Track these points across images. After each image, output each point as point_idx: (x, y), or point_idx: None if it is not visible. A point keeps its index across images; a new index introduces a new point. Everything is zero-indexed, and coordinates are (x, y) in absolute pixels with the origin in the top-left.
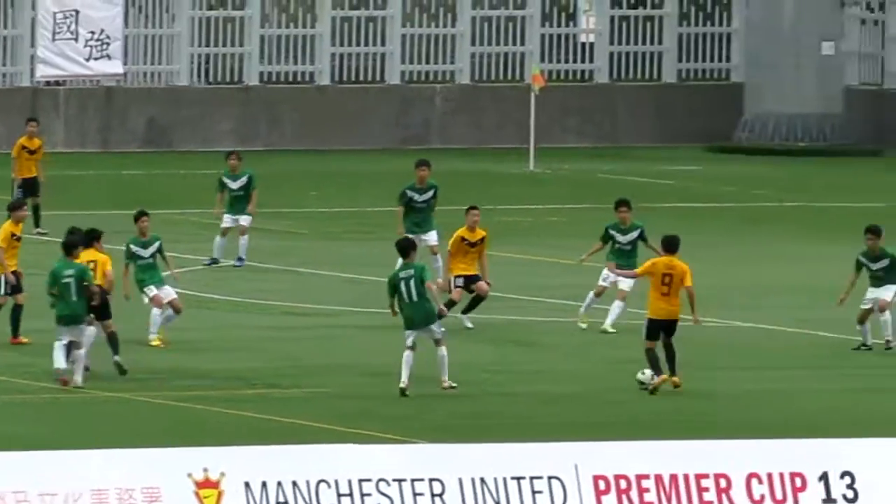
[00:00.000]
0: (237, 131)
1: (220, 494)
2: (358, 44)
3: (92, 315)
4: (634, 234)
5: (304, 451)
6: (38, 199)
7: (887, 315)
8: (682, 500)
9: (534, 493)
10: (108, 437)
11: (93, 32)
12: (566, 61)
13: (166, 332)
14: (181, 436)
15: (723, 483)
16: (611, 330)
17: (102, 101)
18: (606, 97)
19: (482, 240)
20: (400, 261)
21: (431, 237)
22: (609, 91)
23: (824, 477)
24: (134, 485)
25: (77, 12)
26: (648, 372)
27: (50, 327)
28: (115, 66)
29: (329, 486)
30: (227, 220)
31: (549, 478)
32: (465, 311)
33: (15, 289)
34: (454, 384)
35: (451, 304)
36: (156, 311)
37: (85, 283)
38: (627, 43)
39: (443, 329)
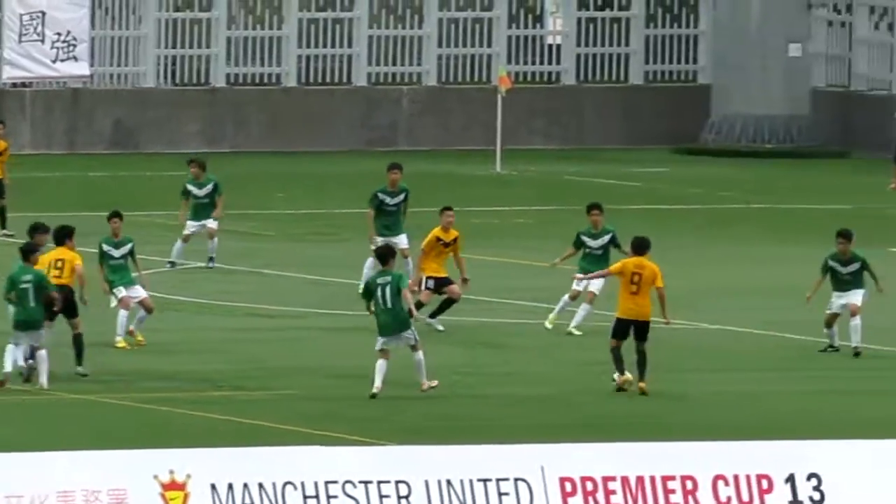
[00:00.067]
0: (204, 133)
1: (186, 496)
2: (324, 45)
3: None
4: (605, 238)
5: (271, 452)
6: (3, 201)
7: (858, 320)
8: (649, 501)
9: (500, 494)
10: (74, 438)
11: (59, 34)
12: (533, 63)
13: (143, 334)
14: (147, 437)
15: (689, 485)
16: (576, 332)
17: (69, 103)
18: (573, 99)
19: (455, 240)
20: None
21: (402, 240)
22: (576, 93)
23: (791, 479)
24: (100, 486)
25: (43, 14)
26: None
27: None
28: (82, 68)
29: (295, 487)
30: (190, 227)
31: (516, 479)
32: (434, 314)
33: None
34: (433, 383)
35: (419, 305)
36: (123, 313)
37: (44, 290)
38: (594, 45)
39: (415, 336)
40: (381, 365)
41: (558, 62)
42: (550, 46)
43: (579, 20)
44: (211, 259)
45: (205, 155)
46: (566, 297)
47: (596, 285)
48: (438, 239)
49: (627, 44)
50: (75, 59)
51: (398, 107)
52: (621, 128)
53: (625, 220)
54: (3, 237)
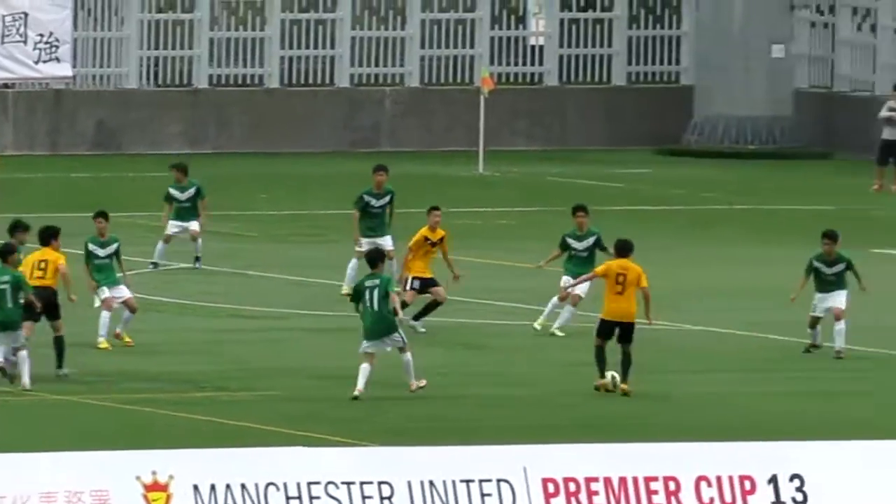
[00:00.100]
0: (186, 134)
1: (168, 497)
2: (307, 47)
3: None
4: (590, 240)
5: (253, 453)
6: None
7: (843, 324)
8: (631, 502)
9: (483, 495)
10: (57, 439)
11: (42, 35)
12: (515, 64)
13: (129, 335)
14: (129, 438)
15: (672, 486)
16: (559, 333)
17: (51, 104)
18: (556, 100)
19: (442, 239)
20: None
21: (387, 242)
22: (558, 94)
23: (773, 480)
24: (83, 488)
25: (26, 15)
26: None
27: None
28: (64, 69)
29: (278, 488)
30: (172, 228)
31: (498, 480)
32: (418, 317)
33: None
34: (422, 383)
35: (403, 305)
36: (105, 314)
37: (22, 291)
38: (577, 46)
39: (403, 338)
40: (364, 369)
41: (541, 63)
42: (533, 47)
43: (562, 21)
44: (197, 259)
45: (187, 156)
46: (555, 298)
47: (581, 288)
48: (426, 238)
49: (610, 45)
50: (58, 60)
51: (381, 108)
52: (604, 129)
53: (607, 221)
54: None
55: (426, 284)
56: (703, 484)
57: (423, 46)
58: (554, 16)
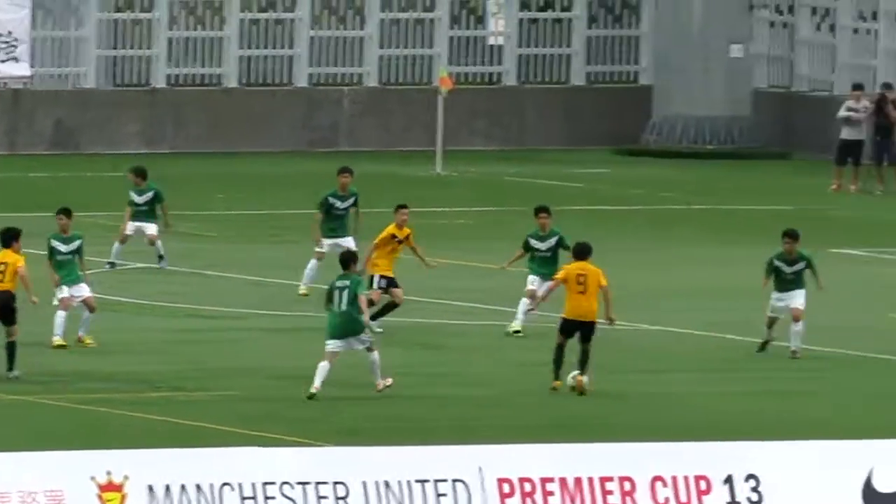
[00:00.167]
0: (144, 133)
1: (123, 497)
2: (265, 46)
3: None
4: (553, 240)
5: (208, 454)
6: None
7: (801, 325)
8: (587, 502)
9: (438, 495)
10: (11, 439)
11: (0, 35)
12: (474, 64)
13: (90, 336)
14: (85, 439)
15: (627, 486)
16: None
17: (9, 104)
18: (514, 100)
19: (408, 237)
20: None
21: (349, 243)
22: (517, 94)
23: (729, 480)
24: (37, 488)
25: None
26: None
27: None
28: (23, 69)
29: (233, 488)
30: (129, 228)
31: (454, 481)
32: (375, 317)
33: None
34: (388, 382)
35: (370, 303)
36: (61, 313)
37: None
38: (536, 46)
39: (370, 338)
40: (323, 367)
41: (499, 63)
42: (492, 47)
43: (521, 21)
44: (161, 258)
45: (145, 156)
46: (524, 300)
47: (544, 290)
48: (393, 236)
49: (569, 45)
50: (16, 59)
51: (339, 108)
52: (562, 129)
53: (566, 221)
54: None
55: (388, 284)
56: (659, 484)
57: (381, 46)
58: (513, 16)
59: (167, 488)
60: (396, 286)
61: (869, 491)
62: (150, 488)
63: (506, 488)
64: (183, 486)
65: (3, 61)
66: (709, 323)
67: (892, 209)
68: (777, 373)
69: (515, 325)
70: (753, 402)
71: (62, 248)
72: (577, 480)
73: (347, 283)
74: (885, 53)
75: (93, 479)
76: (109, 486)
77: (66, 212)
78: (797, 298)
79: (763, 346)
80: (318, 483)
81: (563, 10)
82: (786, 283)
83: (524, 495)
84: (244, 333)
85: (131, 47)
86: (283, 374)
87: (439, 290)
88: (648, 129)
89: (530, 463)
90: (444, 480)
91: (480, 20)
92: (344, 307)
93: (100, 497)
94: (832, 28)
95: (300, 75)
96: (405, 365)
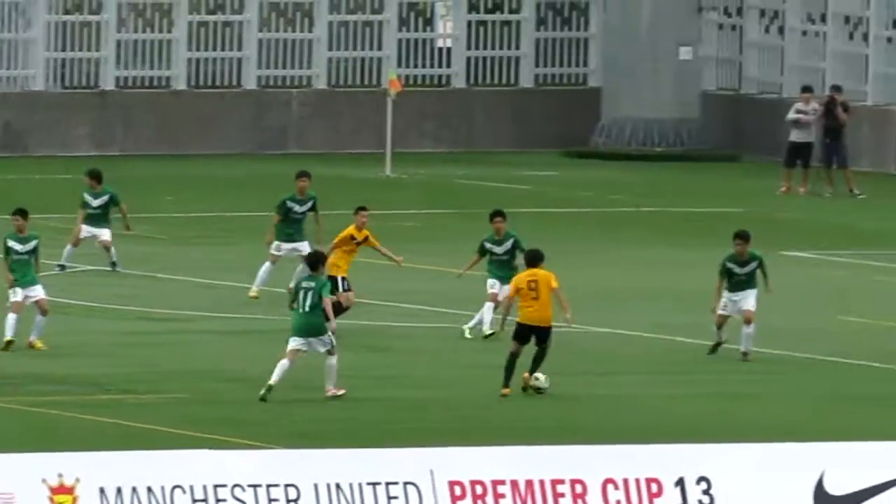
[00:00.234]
0: (93, 136)
1: (74, 500)
2: (214, 48)
3: None
4: (509, 243)
5: (159, 456)
6: None
7: (752, 328)
8: None
9: (389, 498)
10: None
11: None
12: (423, 66)
13: (41, 340)
14: (35, 441)
15: (578, 488)
16: (468, 335)
17: None
18: (463, 102)
19: (366, 238)
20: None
21: (304, 247)
22: (466, 96)
23: (680, 482)
24: None
25: None
26: (542, 376)
27: None
28: None
29: (184, 491)
30: (84, 231)
31: (405, 483)
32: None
33: None
34: (340, 392)
35: (340, 307)
36: (12, 315)
37: None
38: (484, 48)
39: (332, 341)
40: (282, 364)
41: (448, 65)
42: (440, 49)
43: (469, 23)
44: (114, 264)
45: (94, 158)
46: (488, 303)
47: (505, 290)
48: (352, 237)
49: (518, 47)
50: None
51: (288, 110)
52: (511, 131)
53: (515, 223)
54: None
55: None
56: (610, 486)
57: (330, 48)
58: (461, 18)
59: (118, 490)
60: (349, 289)
61: (820, 493)
62: (102, 490)
63: (457, 491)
64: (134, 489)
65: None
66: (658, 325)
67: (841, 211)
68: (727, 375)
69: (486, 328)
70: (704, 405)
71: (18, 247)
72: (529, 483)
73: (313, 284)
74: (834, 56)
75: (44, 481)
76: (61, 489)
77: (22, 212)
78: (749, 299)
79: (714, 349)
80: (269, 485)
81: (512, 12)
82: (738, 284)
83: (475, 498)
84: (195, 336)
85: (80, 49)
86: (234, 376)
87: (386, 292)
88: (597, 131)
89: (482, 465)
90: (396, 483)
91: (429, 22)
92: (307, 308)
93: (51, 499)
94: (781, 30)
95: (249, 77)
96: (353, 367)
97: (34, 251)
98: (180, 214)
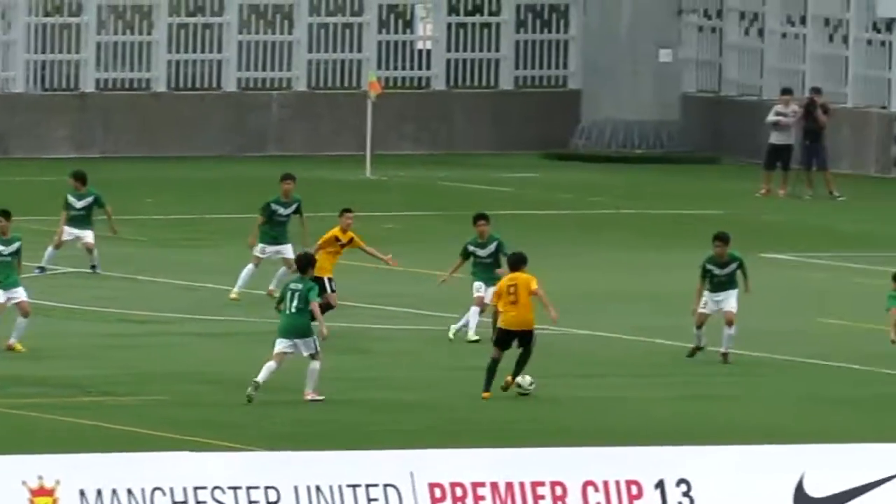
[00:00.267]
0: (73, 138)
1: (54, 502)
2: (194, 51)
3: None
4: (492, 246)
5: (140, 458)
6: None
7: (733, 329)
8: None
9: (369, 500)
10: None
11: None
12: (403, 68)
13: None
14: (15, 443)
15: (558, 491)
16: (451, 335)
17: None
18: (443, 104)
19: (351, 240)
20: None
21: (287, 250)
22: (446, 98)
23: (660, 484)
24: None
25: None
26: (528, 378)
27: None
28: None
29: (164, 493)
30: (66, 234)
31: (385, 485)
32: None
33: None
34: (318, 397)
35: (328, 307)
36: None
37: None
38: (464, 50)
39: (317, 345)
40: (270, 365)
41: (428, 67)
42: (420, 51)
43: (449, 25)
44: (94, 266)
45: (74, 160)
46: (474, 307)
47: (490, 293)
48: (337, 238)
49: (497, 49)
50: None
51: (268, 112)
52: (491, 133)
53: (495, 225)
54: None
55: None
56: (591, 489)
57: (310, 50)
58: (441, 20)
59: (99, 493)
60: (335, 290)
61: (800, 495)
62: (82, 493)
63: (437, 493)
64: (114, 491)
65: None
66: (638, 327)
67: (821, 214)
68: (707, 377)
69: (470, 334)
70: (683, 407)
71: (1, 249)
72: (509, 485)
73: (300, 286)
74: (814, 58)
75: (24, 483)
76: (41, 491)
77: (5, 214)
78: (730, 300)
79: (693, 353)
80: (249, 488)
81: (492, 14)
82: (719, 285)
83: (455, 500)
84: (175, 338)
85: (60, 52)
86: (214, 378)
87: (367, 294)
88: (577, 133)
89: (462, 467)
90: (376, 485)
91: (409, 24)
92: (293, 309)
93: (31, 501)
94: (760, 33)
95: (229, 80)
96: (334, 369)
97: (17, 253)
98: (160, 216)
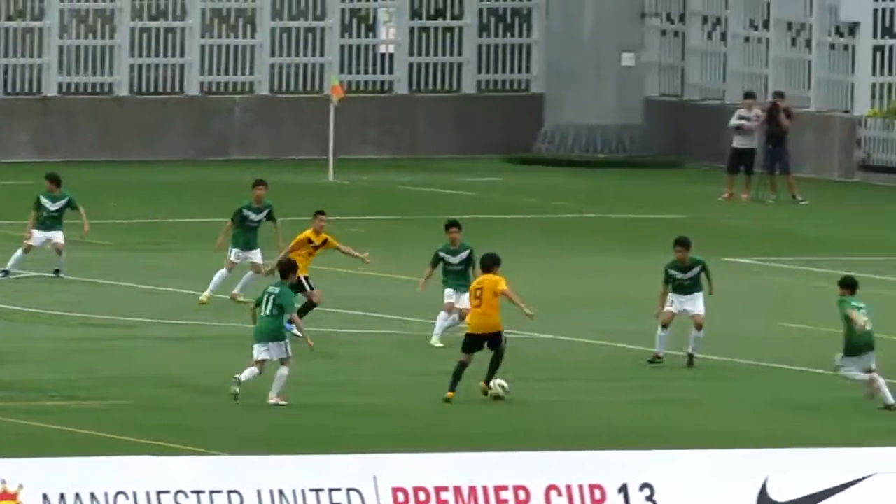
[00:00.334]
0: (35, 142)
1: None
2: (157, 55)
3: None
4: (464, 254)
5: (103, 462)
6: None
7: (702, 333)
8: None
9: None
10: None
11: None
12: (365, 72)
13: None
14: None
15: (522, 495)
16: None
17: None
18: (406, 108)
19: (325, 242)
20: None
21: (256, 255)
22: (408, 102)
23: (624, 489)
24: None
25: None
26: (504, 384)
27: None
28: None
29: (127, 497)
30: (37, 238)
31: (348, 490)
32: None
33: None
34: (283, 402)
35: (312, 305)
36: None
37: None
38: (427, 54)
39: (288, 351)
40: (253, 370)
41: (391, 71)
42: (383, 56)
43: (412, 29)
44: (57, 271)
45: (36, 164)
46: (443, 312)
47: (464, 301)
48: (309, 240)
49: (460, 53)
50: None
51: (231, 116)
52: (454, 137)
53: None
54: None
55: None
56: (554, 493)
57: (272, 54)
58: (404, 24)
59: (62, 497)
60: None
61: (764, 500)
62: (45, 497)
63: (400, 497)
64: (77, 495)
65: None
66: (600, 331)
67: (784, 218)
68: (669, 382)
69: (434, 340)
70: (646, 411)
71: None
72: (472, 489)
73: (277, 291)
74: (777, 62)
75: None
76: (4, 495)
77: None
78: (697, 303)
79: (654, 360)
80: (212, 492)
81: (454, 18)
82: (683, 288)
83: None
84: (139, 342)
85: (22, 56)
86: (177, 382)
87: (332, 298)
88: (540, 137)
89: (425, 471)
90: (339, 489)
91: (371, 28)
92: (268, 312)
93: None
94: (723, 36)
95: (191, 84)
96: (299, 374)
97: None
98: (124, 220)
